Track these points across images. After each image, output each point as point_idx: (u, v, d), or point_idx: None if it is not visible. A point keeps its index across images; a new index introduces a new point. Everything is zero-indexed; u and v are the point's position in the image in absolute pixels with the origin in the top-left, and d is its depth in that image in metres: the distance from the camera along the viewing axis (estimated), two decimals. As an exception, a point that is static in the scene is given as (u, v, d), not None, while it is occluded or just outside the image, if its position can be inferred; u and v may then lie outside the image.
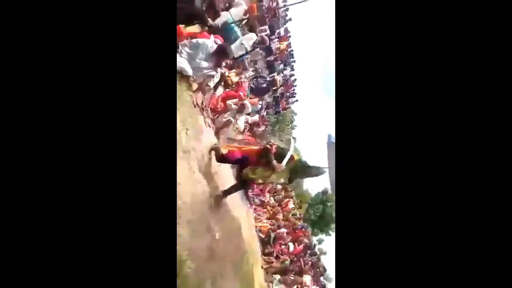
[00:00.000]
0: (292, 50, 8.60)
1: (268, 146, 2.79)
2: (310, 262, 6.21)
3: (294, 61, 8.99)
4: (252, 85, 5.41)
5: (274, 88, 7.26)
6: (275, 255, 5.43)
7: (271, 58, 7.09)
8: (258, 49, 5.05)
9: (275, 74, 7.22)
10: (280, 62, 7.86)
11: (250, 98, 5.07)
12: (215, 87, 3.77)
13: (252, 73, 5.75)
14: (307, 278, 5.40)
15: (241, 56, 4.36)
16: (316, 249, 7.35)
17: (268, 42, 5.55)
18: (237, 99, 4.06)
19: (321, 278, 6.34)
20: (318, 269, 6.36)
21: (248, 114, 5.38)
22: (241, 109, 4.05)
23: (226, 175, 3.53)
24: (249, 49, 4.36)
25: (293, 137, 3.14)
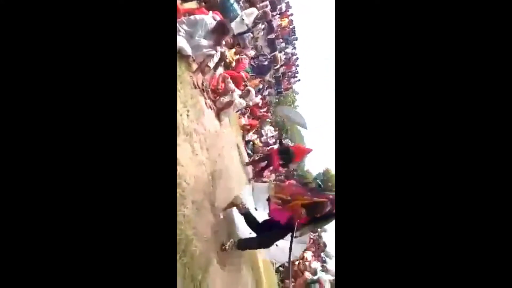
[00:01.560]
0: (294, 27, 8.30)
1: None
2: (311, 240, 6.43)
3: (296, 39, 8.70)
4: (253, 64, 5.27)
5: (275, 66, 7.08)
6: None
7: (272, 36, 6.85)
8: (260, 25, 4.86)
9: (276, 52, 7.01)
10: (281, 40, 7.61)
11: (251, 77, 4.96)
12: (215, 67, 3.68)
13: (253, 52, 5.58)
14: (308, 254, 5.61)
15: (242, 33, 4.21)
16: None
17: (270, 16, 5.34)
18: (229, 77, 3.97)
19: (322, 254, 6.59)
20: (319, 245, 6.60)
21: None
22: (245, 94, 4.00)
23: (230, 156, 3.54)
24: (250, 25, 4.20)
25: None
